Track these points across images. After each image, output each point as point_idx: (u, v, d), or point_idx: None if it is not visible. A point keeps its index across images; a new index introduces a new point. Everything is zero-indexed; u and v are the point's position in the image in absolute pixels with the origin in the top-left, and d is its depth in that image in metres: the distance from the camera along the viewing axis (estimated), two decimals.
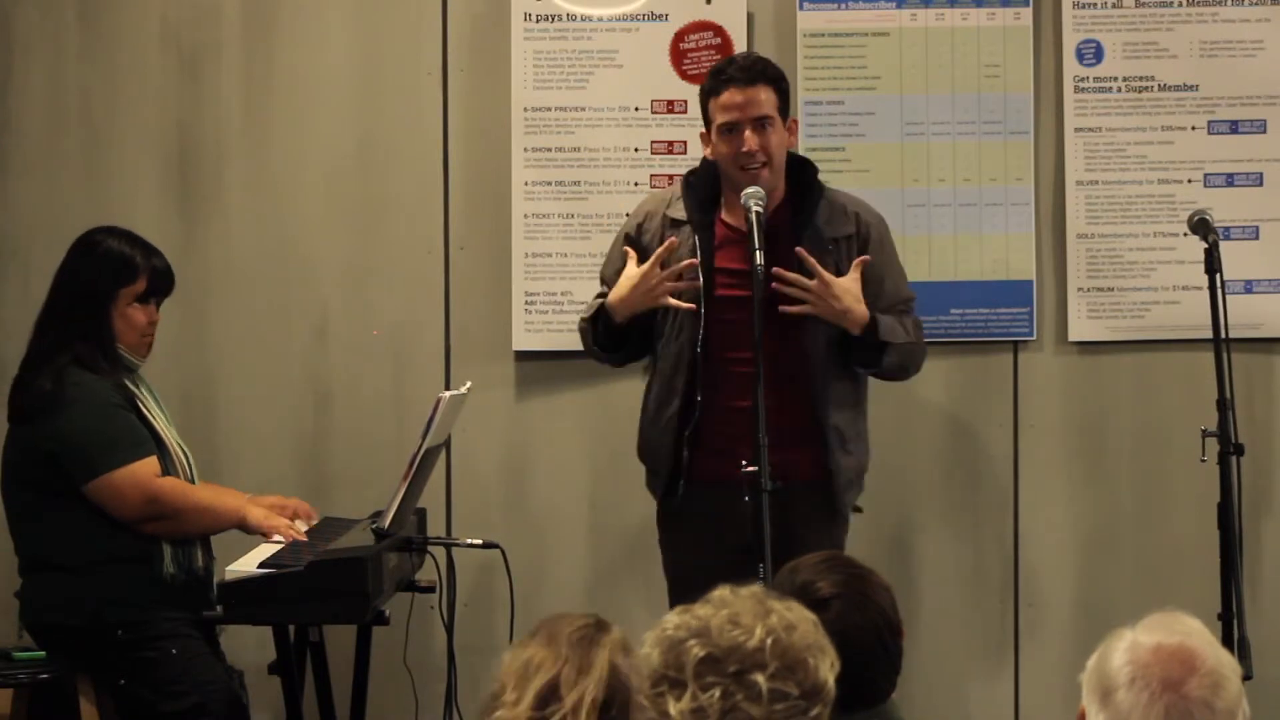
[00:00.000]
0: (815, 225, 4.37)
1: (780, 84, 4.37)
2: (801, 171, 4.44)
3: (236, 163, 5.17)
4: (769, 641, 2.20)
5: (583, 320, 4.51)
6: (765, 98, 4.31)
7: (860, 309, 4.30)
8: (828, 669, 2.24)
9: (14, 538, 4.48)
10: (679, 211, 4.42)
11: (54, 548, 4.38)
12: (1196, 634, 2.26)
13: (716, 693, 2.18)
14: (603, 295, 4.47)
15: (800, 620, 2.25)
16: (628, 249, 4.42)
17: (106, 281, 4.41)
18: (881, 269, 4.43)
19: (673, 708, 2.18)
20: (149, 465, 4.35)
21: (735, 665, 2.19)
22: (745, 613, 2.23)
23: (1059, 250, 5.09)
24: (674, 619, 2.25)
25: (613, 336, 4.43)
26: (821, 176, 4.46)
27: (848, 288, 4.30)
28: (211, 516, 4.41)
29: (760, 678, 2.18)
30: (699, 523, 4.37)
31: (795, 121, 4.46)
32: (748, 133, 4.30)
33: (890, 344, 4.36)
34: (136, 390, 4.44)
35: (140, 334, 4.46)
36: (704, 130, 4.42)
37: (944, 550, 5.13)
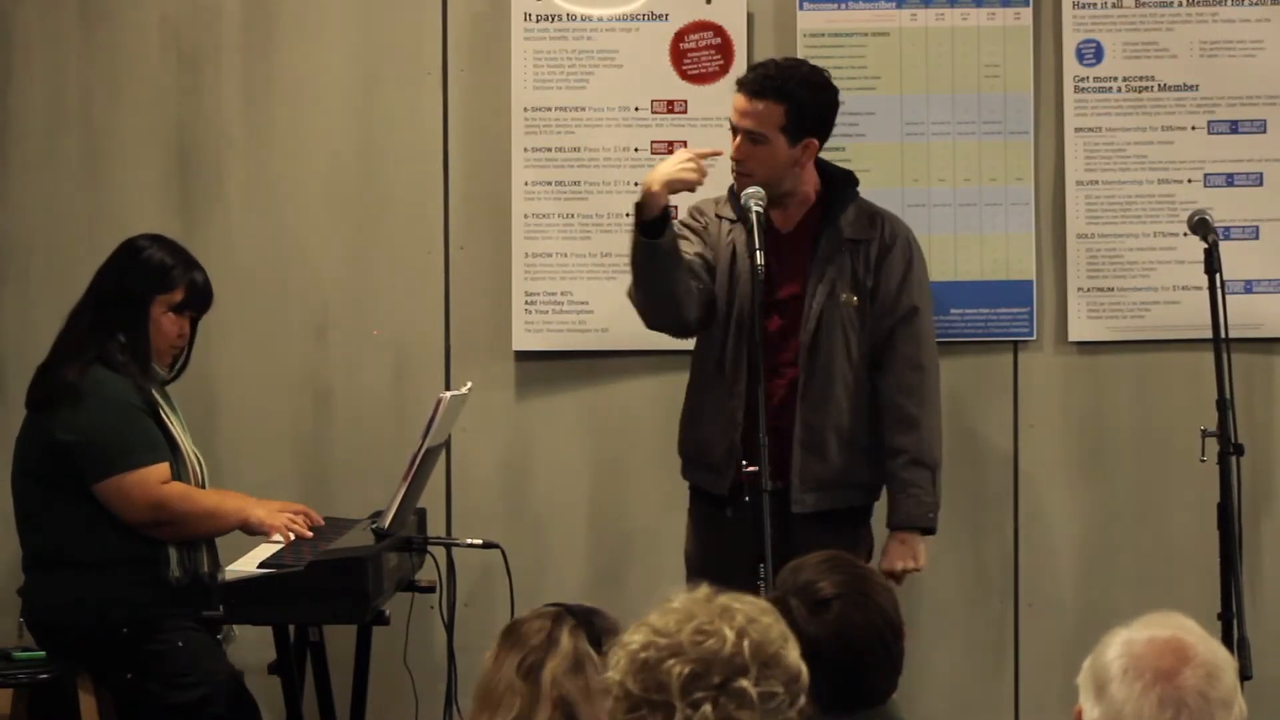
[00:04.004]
0: (837, 225, 4.42)
1: (794, 100, 4.34)
2: (840, 181, 4.49)
3: (236, 163, 5.17)
4: (745, 644, 2.19)
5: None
6: (765, 112, 4.33)
7: (919, 547, 4.46)
8: (796, 654, 2.23)
9: (20, 532, 4.49)
10: (728, 211, 4.47)
11: (60, 544, 4.39)
12: (1191, 629, 2.26)
13: (708, 708, 2.16)
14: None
15: (760, 612, 2.24)
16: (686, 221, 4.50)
17: (144, 286, 4.43)
18: (892, 277, 4.44)
19: None
20: (159, 471, 4.35)
21: (719, 676, 2.17)
22: (708, 618, 2.21)
23: (1059, 250, 5.09)
24: (637, 638, 2.22)
25: (647, 230, 4.33)
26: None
27: (901, 556, 4.43)
28: (215, 520, 4.42)
29: (747, 683, 2.17)
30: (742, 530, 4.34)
31: (814, 143, 4.41)
32: (740, 139, 4.35)
33: (936, 470, 4.46)
34: (156, 395, 4.45)
35: (169, 344, 4.48)
36: None
37: (944, 550, 5.12)
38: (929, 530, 4.47)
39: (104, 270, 4.52)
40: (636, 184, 5.03)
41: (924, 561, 4.46)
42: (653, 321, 4.49)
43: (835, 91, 4.44)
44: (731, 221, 4.45)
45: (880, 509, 4.58)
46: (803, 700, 2.21)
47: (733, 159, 4.38)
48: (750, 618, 2.21)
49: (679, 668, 2.17)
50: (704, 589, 2.27)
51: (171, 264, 4.47)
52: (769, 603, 2.31)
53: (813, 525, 4.31)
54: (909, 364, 4.44)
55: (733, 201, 4.45)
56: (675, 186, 4.32)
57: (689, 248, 4.45)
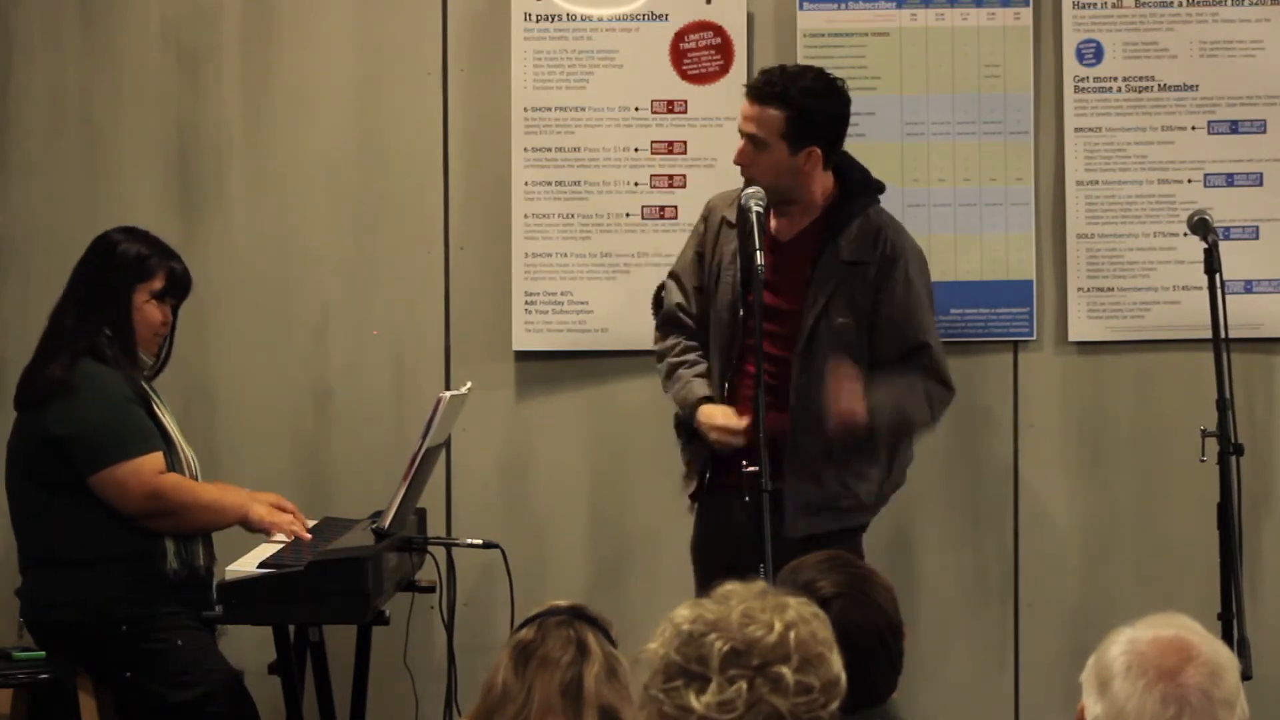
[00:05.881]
0: (836, 245, 4.38)
1: (795, 108, 4.31)
2: (854, 191, 4.45)
3: (236, 163, 5.17)
4: (790, 635, 2.22)
5: (665, 382, 4.53)
6: (766, 118, 4.32)
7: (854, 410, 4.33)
8: (840, 665, 2.26)
9: (16, 532, 4.50)
10: (733, 214, 4.44)
11: (57, 542, 4.39)
12: (1195, 629, 2.26)
13: (743, 685, 2.19)
14: (673, 277, 4.53)
15: (813, 616, 2.27)
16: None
17: (124, 277, 4.44)
18: (890, 304, 4.39)
19: (695, 701, 2.20)
20: (154, 461, 4.35)
21: (758, 659, 2.20)
22: (761, 608, 2.25)
23: (1059, 250, 5.09)
24: (685, 613, 2.26)
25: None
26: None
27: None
28: (214, 513, 4.42)
29: (786, 670, 2.19)
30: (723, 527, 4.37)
31: (816, 151, 4.37)
32: (744, 143, 4.36)
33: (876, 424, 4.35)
34: (147, 388, 4.45)
35: (154, 331, 4.48)
36: None
37: (944, 550, 5.13)
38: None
39: (81, 268, 4.52)
40: (637, 184, 5.07)
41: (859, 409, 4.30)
42: None
43: (843, 100, 4.40)
44: (731, 226, 4.43)
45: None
46: (835, 705, 2.23)
47: (736, 163, 4.39)
48: (802, 617, 2.25)
49: (720, 643, 2.20)
50: (759, 584, 2.30)
51: (148, 253, 4.49)
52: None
53: (803, 550, 4.26)
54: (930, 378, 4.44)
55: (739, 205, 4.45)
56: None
57: (690, 280, 4.51)
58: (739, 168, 4.39)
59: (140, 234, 4.55)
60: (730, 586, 2.31)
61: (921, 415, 4.45)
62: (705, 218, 4.53)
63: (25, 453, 4.45)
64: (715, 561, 4.35)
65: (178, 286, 4.52)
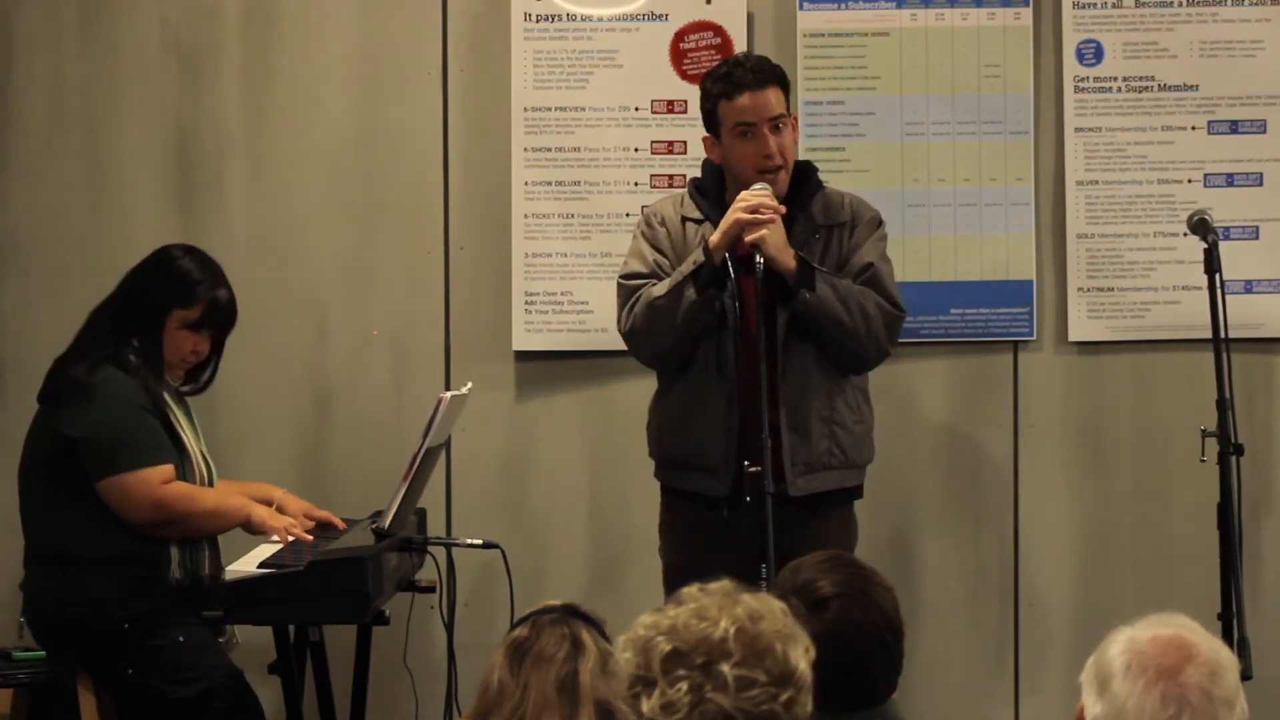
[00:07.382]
0: (809, 212, 4.37)
1: (785, 82, 4.37)
2: (802, 170, 4.43)
3: (236, 163, 5.17)
4: (733, 630, 2.22)
5: (652, 297, 4.30)
6: (776, 98, 4.31)
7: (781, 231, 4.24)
8: (800, 655, 2.25)
9: (24, 526, 4.50)
10: (693, 211, 4.40)
11: (63, 540, 4.39)
12: (1195, 629, 2.26)
13: (684, 685, 2.19)
14: (636, 277, 4.38)
15: (768, 610, 2.27)
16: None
17: (164, 297, 4.42)
18: (853, 248, 4.37)
19: (645, 705, 2.20)
20: (161, 471, 4.34)
21: (702, 657, 2.20)
22: (712, 606, 2.25)
23: (1059, 250, 5.09)
24: (646, 619, 2.28)
25: (714, 280, 4.24)
26: (820, 176, 4.46)
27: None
28: (217, 519, 4.43)
29: (726, 667, 2.19)
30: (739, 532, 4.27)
31: (795, 118, 4.43)
32: (767, 134, 4.28)
33: (819, 273, 4.25)
34: (168, 398, 4.45)
35: (180, 358, 4.47)
36: (707, 135, 4.38)
37: (944, 550, 5.13)
38: (801, 272, 4.23)
39: (133, 273, 4.51)
40: (637, 184, 5.06)
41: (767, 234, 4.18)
42: (653, 363, 4.46)
43: None
44: (698, 222, 4.37)
45: (868, 495, 4.54)
46: (789, 695, 2.22)
47: (769, 155, 4.27)
48: (754, 612, 2.24)
49: (664, 645, 2.21)
50: (726, 584, 2.29)
51: (197, 279, 4.45)
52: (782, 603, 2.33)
53: (802, 510, 4.28)
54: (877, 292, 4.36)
55: (699, 200, 4.39)
56: (733, 232, 4.21)
57: (663, 269, 4.38)
58: (773, 167, 4.28)
59: (200, 257, 4.51)
60: (690, 589, 2.30)
61: (869, 308, 4.30)
62: (660, 224, 4.41)
63: (38, 449, 4.46)
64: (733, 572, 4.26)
65: (218, 318, 4.48)
